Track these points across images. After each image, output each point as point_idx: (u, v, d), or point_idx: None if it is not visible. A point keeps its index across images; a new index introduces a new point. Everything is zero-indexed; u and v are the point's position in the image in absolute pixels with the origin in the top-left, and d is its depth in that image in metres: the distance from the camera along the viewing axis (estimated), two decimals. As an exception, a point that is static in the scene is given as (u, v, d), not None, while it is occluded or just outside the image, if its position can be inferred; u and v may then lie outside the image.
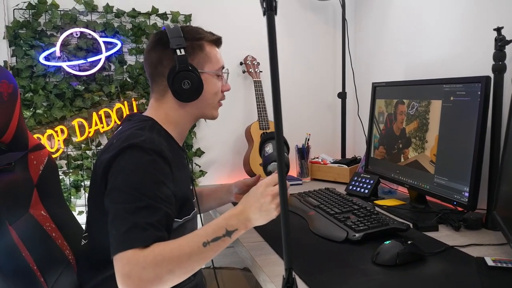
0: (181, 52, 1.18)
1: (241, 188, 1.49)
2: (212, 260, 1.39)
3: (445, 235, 1.39)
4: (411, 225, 1.43)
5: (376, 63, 2.38)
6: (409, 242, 1.19)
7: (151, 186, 1.02)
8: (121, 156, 1.04)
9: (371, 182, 1.90)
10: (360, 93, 2.48)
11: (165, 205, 1.03)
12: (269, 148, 1.31)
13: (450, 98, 1.48)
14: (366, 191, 1.87)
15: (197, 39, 1.22)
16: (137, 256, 0.93)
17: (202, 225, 1.27)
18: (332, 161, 2.35)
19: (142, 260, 0.93)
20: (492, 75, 1.42)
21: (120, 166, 1.04)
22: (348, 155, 2.51)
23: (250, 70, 2.34)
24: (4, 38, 2.05)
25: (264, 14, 0.70)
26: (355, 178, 1.98)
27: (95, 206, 1.16)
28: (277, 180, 1.05)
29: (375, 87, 1.96)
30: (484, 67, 1.54)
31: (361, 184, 1.92)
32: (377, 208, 1.55)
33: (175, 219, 1.12)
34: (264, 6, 0.70)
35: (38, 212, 1.25)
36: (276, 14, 0.70)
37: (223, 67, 1.29)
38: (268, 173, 1.25)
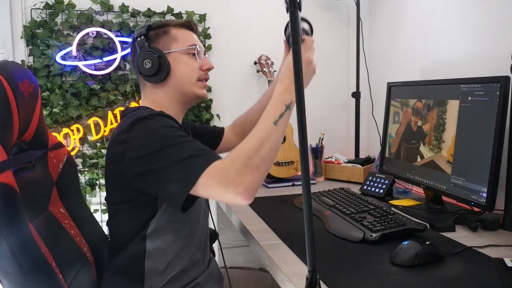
0: (140, 39, 1.25)
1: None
2: (224, 259, 1.43)
3: (462, 236, 1.38)
4: (428, 225, 1.42)
5: (391, 63, 2.36)
6: (427, 242, 1.19)
7: (173, 133, 1.06)
8: (131, 135, 1.07)
9: (386, 182, 1.88)
10: (374, 92, 2.47)
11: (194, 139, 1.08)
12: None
13: (468, 98, 1.47)
14: (381, 191, 1.86)
15: (162, 26, 1.28)
16: (221, 164, 0.98)
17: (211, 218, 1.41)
18: (346, 160, 2.34)
19: (229, 163, 0.97)
20: (511, 75, 1.40)
21: (136, 143, 1.07)
22: (362, 155, 2.50)
23: (264, 69, 2.34)
24: (21, 37, 2.07)
25: (287, 11, 0.69)
26: (370, 178, 1.97)
27: (113, 203, 1.21)
28: (310, 46, 1.13)
29: (390, 86, 1.95)
30: (502, 67, 1.52)
31: (376, 184, 1.91)
32: (392, 208, 1.55)
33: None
34: (288, 2, 0.69)
35: (57, 210, 1.26)
36: (300, 10, 0.69)
37: (194, 45, 1.29)
38: (289, 44, 1.23)
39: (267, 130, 1.01)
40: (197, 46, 1.29)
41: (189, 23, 1.32)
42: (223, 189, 0.96)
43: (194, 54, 1.29)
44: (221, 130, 1.63)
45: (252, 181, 0.97)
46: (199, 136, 1.46)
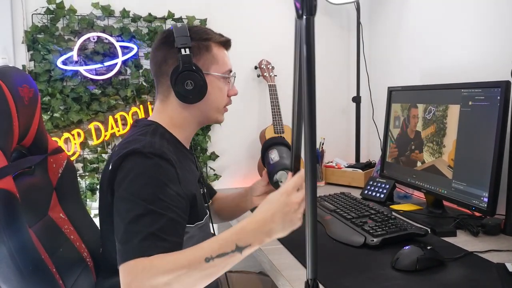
0: (185, 52, 1.13)
1: (255, 190, 1.35)
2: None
3: (463, 241, 1.37)
4: (429, 230, 1.42)
5: (392, 67, 2.36)
6: (428, 247, 1.18)
7: (153, 190, 0.97)
8: (123, 164, 1.01)
9: (387, 186, 1.88)
10: (375, 97, 2.46)
11: (171, 209, 0.98)
12: (275, 155, 1.20)
13: (468, 103, 1.47)
14: (382, 195, 1.86)
15: (204, 40, 1.17)
16: (137, 266, 0.89)
17: (214, 233, 1.24)
18: (346, 165, 2.34)
19: (140, 271, 0.88)
20: (512, 80, 1.41)
21: (122, 174, 1.01)
22: (363, 160, 2.49)
23: (265, 74, 2.34)
24: (22, 42, 2.07)
25: (300, 17, 0.64)
26: (371, 183, 1.96)
27: (105, 216, 1.13)
28: (300, 184, 0.96)
29: (391, 91, 1.95)
30: (503, 72, 1.51)
31: (376, 189, 1.91)
32: (393, 213, 1.54)
33: (187, 225, 1.07)
34: (304, 9, 0.63)
35: (57, 215, 1.26)
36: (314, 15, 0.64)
37: (230, 71, 1.23)
38: (275, 183, 1.14)
39: (192, 263, 0.89)
40: (234, 73, 1.25)
41: (229, 42, 1.25)
42: (124, 282, 0.89)
43: (226, 79, 1.22)
44: (214, 192, 1.55)
45: None
46: None
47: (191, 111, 1.19)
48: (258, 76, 2.39)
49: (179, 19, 2.27)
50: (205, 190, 1.27)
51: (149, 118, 1.23)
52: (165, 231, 0.93)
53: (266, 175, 1.24)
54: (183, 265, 0.88)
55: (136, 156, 1.00)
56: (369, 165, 2.31)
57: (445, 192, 1.55)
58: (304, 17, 0.64)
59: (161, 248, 0.91)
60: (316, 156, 0.67)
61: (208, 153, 2.37)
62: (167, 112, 1.20)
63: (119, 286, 0.93)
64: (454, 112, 1.53)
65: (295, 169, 0.99)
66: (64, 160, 1.33)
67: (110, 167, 1.03)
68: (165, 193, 0.98)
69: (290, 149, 1.08)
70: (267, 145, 1.26)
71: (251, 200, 1.36)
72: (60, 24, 2.11)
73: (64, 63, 2.10)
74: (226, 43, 1.23)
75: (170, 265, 0.88)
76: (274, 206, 0.95)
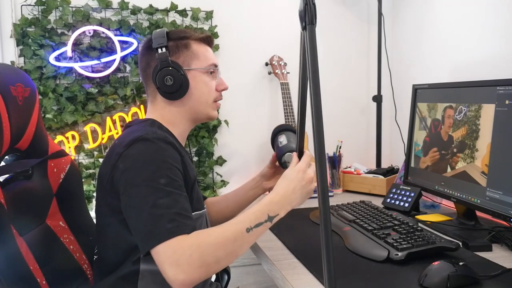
0: (162, 51, 1.27)
1: (266, 175, 1.57)
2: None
3: (500, 256, 1.35)
4: (460, 244, 1.39)
5: (417, 63, 2.33)
6: (460, 263, 1.16)
7: (165, 173, 1.09)
8: (127, 152, 1.11)
9: (412, 194, 1.85)
10: (398, 96, 2.45)
11: (183, 188, 1.12)
12: (283, 139, 1.42)
13: (505, 102, 1.44)
14: (407, 204, 1.83)
15: (182, 38, 1.32)
16: (182, 243, 1.01)
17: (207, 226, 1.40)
18: (366, 171, 2.33)
19: (187, 247, 1.00)
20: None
21: (128, 163, 1.11)
22: (384, 165, 2.48)
23: (277, 71, 2.34)
24: (11, 36, 2.08)
25: (303, 29, 0.75)
26: (394, 190, 1.94)
27: (103, 216, 1.20)
28: (311, 162, 1.23)
29: (416, 89, 1.93)
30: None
31: (400, 197, 1.89)
32: (420, 224, 1.52)
33: None
34: (306, 21, 0.75)
35: (56, 223, 1.28)
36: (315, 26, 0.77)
37: (215, 65, 1.36)
38: (283, 164, 1.36)
39: (237, 233, 1.08)
40: (217, 65, 1.37)
41: (210, 38, 1.38)
42: (167, 266, 1.00)
43: (211, 73, 1.35)
44: (204, 198, 1.60)
45: (195, 277, 1.01)
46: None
47: (179, 107, 1.32)
48: (269, 73, 2.39)
49: (183, 11, 2.27)
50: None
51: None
52: (186, 209, 1.08)
53: (273, 158, 1.51)
54: (229, 237, 1.06)
55: (140, 142, 1.12)
56: (391, 171, 2.30)
57: (478, 201, 1.52)
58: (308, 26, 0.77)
59: (190, 226, 1.05)
60: (323, 135, 0.80)
61: (214, 158, 2.38)
62: (157, 111, 1.33)
63: (116, 285, 1.08)
64: (488, 112, 1.51)
65: (299, 151, 1.26)
66: (67, 165, 1.35)
67: (116, 152, 1.13)
68: (176, 174, 1.12)
69: (294, 132, 1.42)
70: (277, 130, 1.49)
71: (262, 186, 1.57)
72: (52, 17, 2.12)
73: (57, 59, 2.11)
74: (206, 39, 1.36)
75: (219, 239, 1.05)
76: (293, 182, 1.20)
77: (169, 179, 1.08)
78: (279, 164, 1.41)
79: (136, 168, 1.09)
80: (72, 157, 2.08)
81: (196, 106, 1.33)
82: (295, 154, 1.27)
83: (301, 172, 1.22)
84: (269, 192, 1.28)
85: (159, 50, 1.27)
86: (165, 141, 1.14)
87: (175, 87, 1.27)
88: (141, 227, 1.04)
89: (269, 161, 1.56)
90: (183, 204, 1.08)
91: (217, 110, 1.40)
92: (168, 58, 1.27)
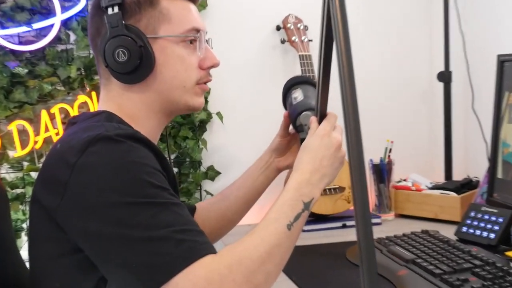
0: (113, 11, 1.17)
1: (279, 148, 1.51)
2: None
3: None
4: None
5: (502, 23, 2.18)
6: None
7: (148, 179, 1.02)
8: (83, 161, 1.01)
9: (500, 220, 1.76)
10: (475, 73, 2.29)
11: (174, 194, 1.07)
12: (298, 94, 1.38)
13: None
14: (492, 235, 1.75)
15: None
16: (214, 267, 0.97)
17: None
18: (430, 185, 2.23)
19: (226, 270, 0.97)
20: None
21: (89, 176, 1.00)
22: (457, 176, 2.33)
23: (294, 38, 2.16)
24: None
25: None
26: (472, 214, 1.85)
27: (45, 259, 1.12)
28: (334, 123, 1.23)
29: (503, 61, 1.81)
30: None
31: (482, 224, 1.81)
32: (512, 265, 1.45)
33: None
34: None
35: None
36: None
37: (197, 30, 1.23)
38: (299, 127, 1.32)
39: (279, 236, 1.05)
40: (200, 31, 1.24)
41: None
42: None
43: (192, 42, 1.23)
44: (193, 207, 1.59)
45: None
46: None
47: (142, 93, 1.22)
48: (283, 42, 2.21)
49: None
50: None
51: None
52: (192, 221, 1.04)
53: (285, 121, 1.45)
54: (272, 243, 1.04)
55: (100, 144, 1.02)
56: (468, 185, 2.19)
57: None
58: None
59: (208, 243, 1.01)
60: (363, 164, 0.76)
61: (203, 168, 2.15)
62: (112, 100, 1.24)
63: None
64: None
65: (321, 114, 1.24)
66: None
67: (63, 162, 1.04)
68: (161, 179, 1.05)
69: (314, 85, 1.38)
70: (290, 83, 1.43)
71: (274, 166, 1.52)
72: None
73: (-36, 25, 1.88)
74: None
75: (261, 249, 1.02)
76: (319, 151, 1.19)
77: (156, 188, 1.01)
78: (293, 127, 1.37)
79: (104, 183, 0.99)
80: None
81: (167, 91, 1.22)
82: (314, 118, 1.23)
83: (325, 137, 1.19)
84: (288, 173, 1.29)
85: (110, 10, 1.16)
86: (134, 138, 1.06)
87: (132, 65, 1.16)
88: (136, 265, 0.97)
89: (279, 128, 1.49)
90: (187, 217, 1.02)
91: (204, 97, 1.30)
92: (121, 21, 1.16)
